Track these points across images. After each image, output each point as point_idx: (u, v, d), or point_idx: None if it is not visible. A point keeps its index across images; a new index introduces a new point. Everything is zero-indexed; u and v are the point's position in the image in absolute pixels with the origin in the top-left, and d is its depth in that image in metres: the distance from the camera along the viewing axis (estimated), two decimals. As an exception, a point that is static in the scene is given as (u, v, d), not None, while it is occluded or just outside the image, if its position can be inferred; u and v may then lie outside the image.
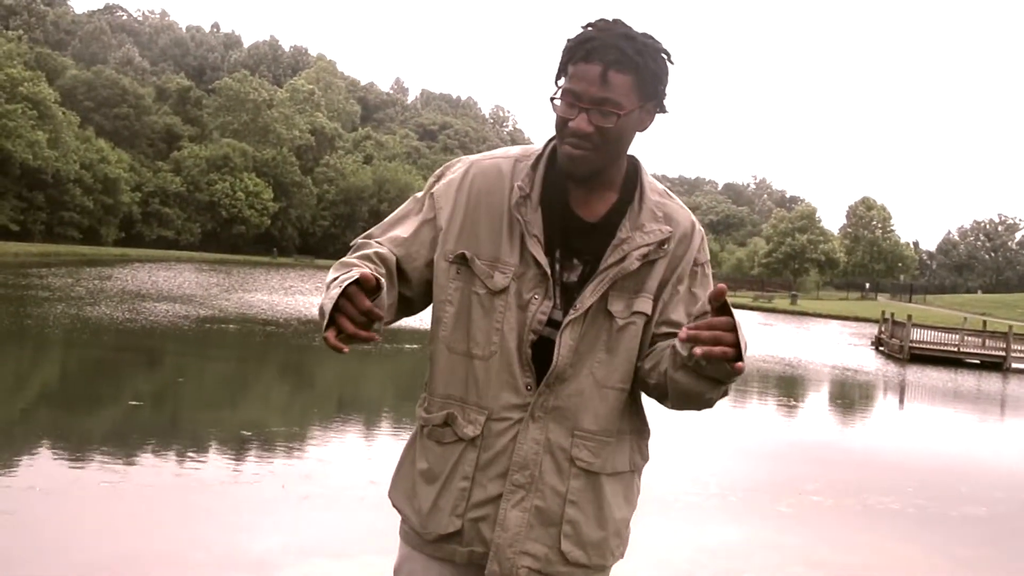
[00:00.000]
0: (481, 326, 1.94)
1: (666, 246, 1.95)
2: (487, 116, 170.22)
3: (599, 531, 1.98)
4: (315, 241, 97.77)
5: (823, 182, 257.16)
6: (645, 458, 2.11)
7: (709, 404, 1.93)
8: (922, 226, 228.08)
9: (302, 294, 37.05)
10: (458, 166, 2.03)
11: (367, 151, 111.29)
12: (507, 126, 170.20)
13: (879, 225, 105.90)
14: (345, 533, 6.54)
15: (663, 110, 1.93)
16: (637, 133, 1.92)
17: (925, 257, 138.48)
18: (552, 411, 1.93)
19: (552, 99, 1.88)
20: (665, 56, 1.88)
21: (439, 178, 2.03)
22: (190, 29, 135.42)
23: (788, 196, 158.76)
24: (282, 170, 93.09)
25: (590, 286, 1.91)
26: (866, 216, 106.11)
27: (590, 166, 1.88)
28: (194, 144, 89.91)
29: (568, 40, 1.87)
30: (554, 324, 1.93)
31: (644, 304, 1.94)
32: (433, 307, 2.02)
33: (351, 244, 2.00)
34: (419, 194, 2.06)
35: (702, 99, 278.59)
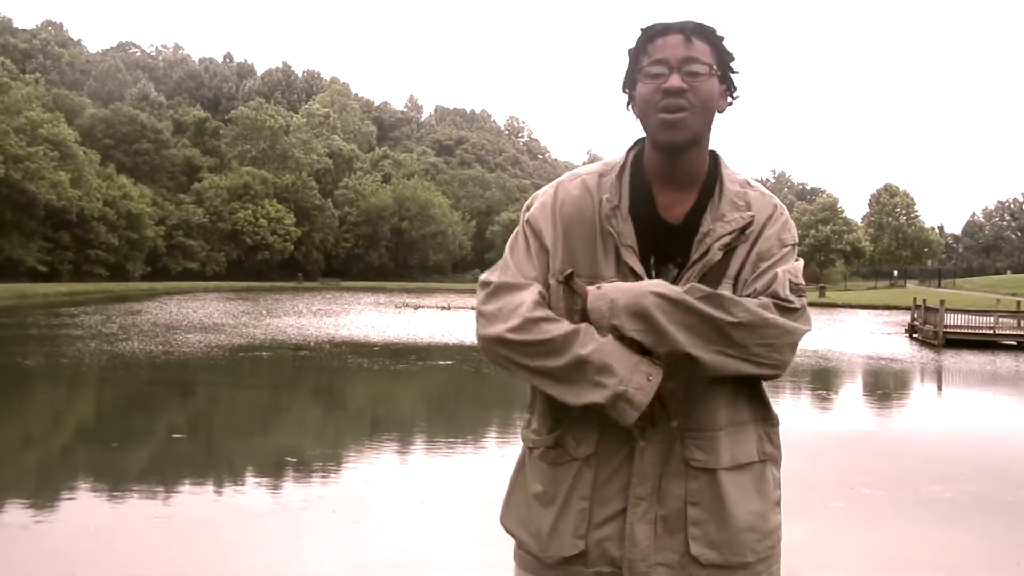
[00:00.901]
0: None
1: (747, 231, 1.94)
2: (502, 127, 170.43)
3: (726, 528, 1.91)
4: (339, 263, 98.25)
5: (843, 171, 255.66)
6: (776, 446, 2.06)
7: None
8: (946, 209, 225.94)
9: (330, 316, 37.19)
10: (547, 189, 2.04)
11: (385, 170, 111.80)
12: (522, 136, 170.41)
13: (903, 211, 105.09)
14: (402, 554, 6.52)
15: (733, 95, 1.98)
16: (716, 115, 1.96)
17: (951, 241, 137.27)
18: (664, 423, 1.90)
19: (634, 84, 1.95)
20: (725, 43, 1.97)
21: (530, 206, 2.03)
22: (203, 61, 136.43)
23: (809, 188, 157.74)
24: (302, 195, 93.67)
25: (680, 285, 1.88)
26: (889, 203, 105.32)
27: (689, 129, 1.89)
28: (214, 174, 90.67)
29: (632, 45, 1.96)
30: None
31: (725, 290, 1.90)
32: None
33: (487, 283, 1.97)
34: (517, 230, 2.04)
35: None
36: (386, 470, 9.83)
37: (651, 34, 1.92)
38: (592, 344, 1.80)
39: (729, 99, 1.98)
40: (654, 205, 1.95)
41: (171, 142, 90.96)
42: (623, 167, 1.99)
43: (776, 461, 2.06)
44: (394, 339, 26.92)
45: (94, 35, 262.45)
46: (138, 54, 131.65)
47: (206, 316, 35.45)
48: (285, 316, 36.53)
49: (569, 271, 1.91)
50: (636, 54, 1.94)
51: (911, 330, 35.23)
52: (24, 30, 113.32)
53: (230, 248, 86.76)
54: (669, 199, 1.96)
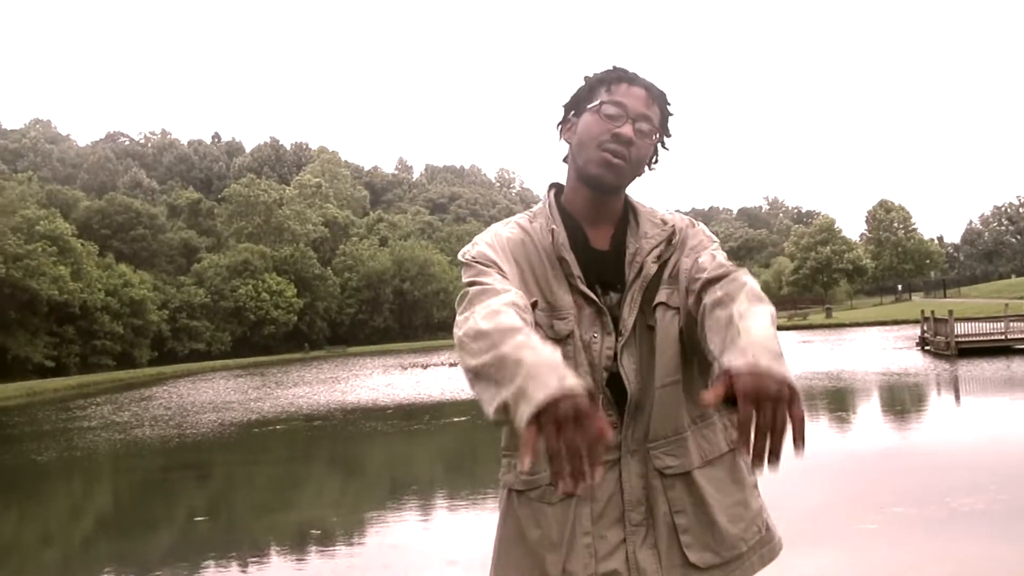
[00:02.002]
0: None
1: (674, 241, 2.03)
2: (494, 180, 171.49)
3: (714, 528, 1.96)
4: (344, 329, 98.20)
5: (837, 192, 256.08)
6: None
7: None
8: (944, 219, 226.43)
9: (339, 383, 37.08)
10: (480, 237, 2.03)
11: (381, 233, 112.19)
12: (514, 187, 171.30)
13: (900, 226, 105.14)
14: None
15: (654, 165, 2.09)
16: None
17: (952, 250, 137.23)
18: (642, 441, 1.97)
19: (580, 112, 2.02)
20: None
21: (466, 253, 1.95)
22: (192, 143, 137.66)
23: (804, 211, 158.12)
24: (301, 265, 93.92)
25: (624, 307, 1.98)
26: (886, 219, 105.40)
27: (621, 178, 2.00)
28: (212, 254, 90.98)
29: (598, 72, 2.04)
30: (616, 357, 1.97)
31: (664, 295, 1.99)
32: None
33: (467, 287, 1.83)
34: (463, 281, 1.87)
35: (707, 129, 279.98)
36: (412, 533, 9.73)
37: (620, 76, 2.01)
38: (527, 348, 1.53)
39: (653, 165, 2.08)
40: (585, 237, 2.03)
41: (167, 226, 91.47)
42: (550, 206, 2.08)
43: None
44: (406, 400, 26.82)
45: (82, 128, 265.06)
46: (127, 142, 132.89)
47: (216, 395, 35.37)
48: (295, 387, 36.43)
49: (533, 300, 1.93)
50: (595, 86, 2.01)
51: (922, 343, 35.07)
52: (13, 130, 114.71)
53: (234, 325, 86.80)
54: (594, 233, 2.05)
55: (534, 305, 1.92)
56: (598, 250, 2.02)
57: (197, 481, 15.74)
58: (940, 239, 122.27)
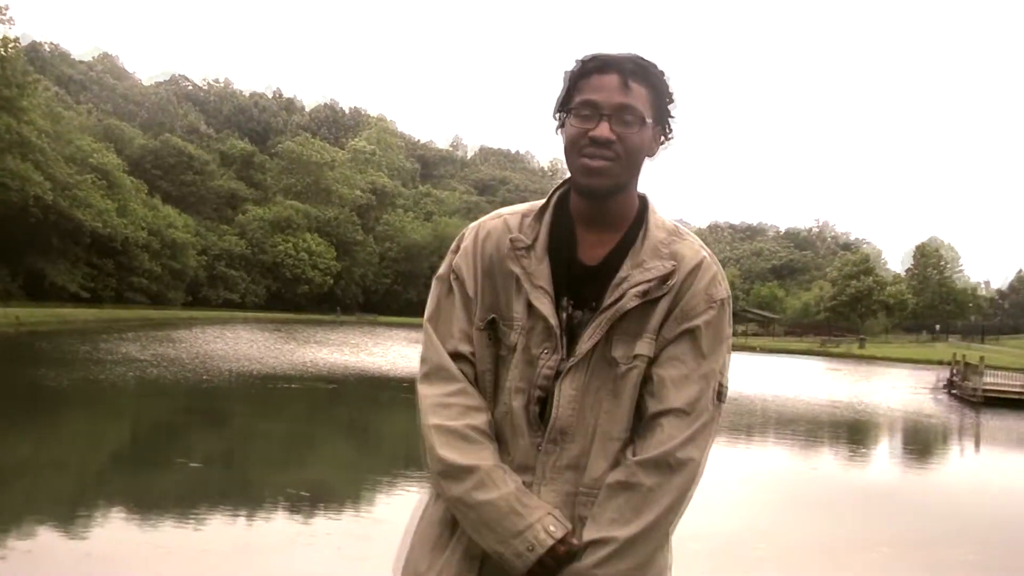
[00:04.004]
0: (501, 388, 1.90)
1: (669, 282, 1.83)
2: (545, 168, 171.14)
3: None
4: (377, 299, 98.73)
5: (887, 223, 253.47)
6: None
7: None
8: (992, 264, 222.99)
9: (363, 350, 37.26)
10: (468, 233, 1.99)
11: (427, 208, 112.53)
12: (564, 177, 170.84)
13: (947, 265, 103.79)
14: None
15: (668, 137, 1.89)
16: (646, 159, 1.88)
17: (997, 296, 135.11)
18: (564, 471, 1.85)
19: (563, 116, 1.86)
20: (668, 81, 1.87)
21: (456, 250, 1.98)
22: (253, 96, 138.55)
23: (852, 239, 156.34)
24: (344, 229, 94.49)
25: (588, 330, 1.83)
26: (934, 256, 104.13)
27: (612, 179, 1.82)
28: (257, 207, 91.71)
29: (571, 68, 1.86)
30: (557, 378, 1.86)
31: (645, 346, 1.83)
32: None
33: (425, 362, 1.97)
34: (441, 271, 2.00)
35: (762, 144, 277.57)
36: (400, 509, 9.72)
37: (588, 69, 1.82)
38: (496, 490, 1.79)
39: (663, 141, 1.89)
40: (574, 246, 1.89)
41: (217, 174, 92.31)
42: (545, 207, 1.94)
43: None
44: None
45: (147, 68, 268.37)
46: (189, 87, 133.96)
47: (240, 346, 35.67)
48: (318, 348, 36.66)
49: (491, 318, 1.89)
50: (570, 85, 1.85)
51: (950, 386, 34.61)
52: (81, 61, 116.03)
53: (269, 280, 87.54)
54: (591, 240, 1.89)
55: (492, 322, 1.89)
56: (583, 264, 1.87)
57: (201, 427, 15.86)
58: (987, 284, 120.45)
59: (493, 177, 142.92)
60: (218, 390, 20.21)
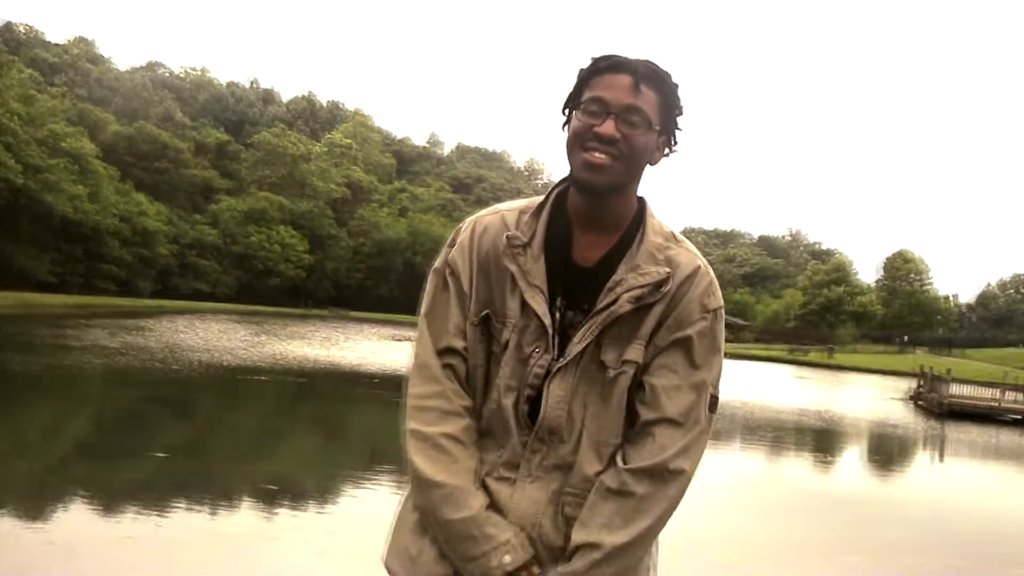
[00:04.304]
0: (492, 384, 1.91)
1: (664, 288, 1.83)
2: (521, 168, 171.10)
3: None
4: (349, 293, 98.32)
5: (859, 234, 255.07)
6: None
7: None
8: (961, 278, 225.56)
9: (334, 344, 37.11)
10: (465, 227, 1.97)
11: (402, 203, 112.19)
12: (541, 178, 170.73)
13: (916, 277, 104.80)
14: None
15: (673, 148, 1.88)
16: (648, 165, 1.88)
17: (964, 310, 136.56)
18: (551, 470, 1.87)
19: (571, 111, 1.85)
20: (679, 93, 1.87)
21: (452, 244, 1.98)
22: (230, 85, 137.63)
23: (823, 248, 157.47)
24: (317, 222, 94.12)
25: (579, 332, 1.83)
26: (903, 268, 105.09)
27: (612, 176, 1.80)
28: (231, 197, 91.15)
29: (585, 66, 1.86)
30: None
31: (635, 352, 1.84)
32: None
33: (414, 357, 1.98)
34: (437, 265, 1.99)
35: (737, 151, 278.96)
36: (368, 505, 9.69)
37: (600, 67, 1.81)
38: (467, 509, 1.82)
39: (666, 151, 1.89)
40: (570, 246, 1.88)
41: (191, 163, 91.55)
42: (543, 204, 1.92)
43: None
44: (395, 371, 26.82)
45: (124, 53, 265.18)
46: (166, 75, 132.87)
47: (210, 337, 35.43)
48: (289, 342, 36.47)
49: (484, 313, 1.89)
50: (581, 81, 1.84)
51: (916, 397, 34.96)
52: (56, 44, 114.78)
53: (240, 271, 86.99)
54: (587, 241, 1.88)
55: (485, 319, 1.89)
56: (578, 264, 1.87)
57: (169, 418, 15.74)
58: (955, 297, 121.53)
59: (469, 175, 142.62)
60: (187, 380, 20.06)
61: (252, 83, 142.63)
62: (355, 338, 45.03)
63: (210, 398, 18.32)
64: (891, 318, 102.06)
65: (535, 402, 1.86)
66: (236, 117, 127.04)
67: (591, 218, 1.87)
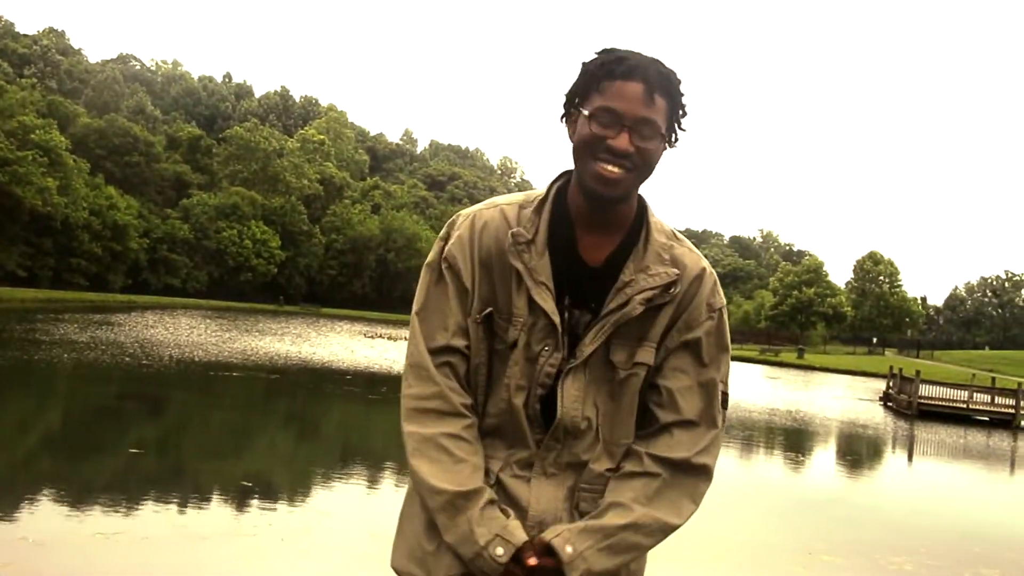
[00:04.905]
0: (497, 382, 1.88)
1: (673, 290, 1.84)
2: (495, 167, 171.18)
3: None
4: (322, 290, 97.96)
5: (831, 236, 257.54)
6: None
7: None
8: (930, 281, 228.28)
9: (306, 340, 36.92)
10: (463, 221, 1.92)
11: (375, 200, 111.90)
12: (515, 177, 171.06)
13: (886, 280, 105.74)
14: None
15: (672, 144, 1.85)
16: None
17: (932, 312, 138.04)
18: (565, 467, 1.87)
19: (576, 111, 1.80)
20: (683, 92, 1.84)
21: (447, 239, 1.92)
22: (202, 79, 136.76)
23: (795, 250, 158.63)
24: (290, 218, 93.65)
25: (591, 333, 1.83)
26: (873, 271, 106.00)
27: (624, 188, 1.78)
28: (203, 192, 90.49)
29: (592, 61, 1.80)
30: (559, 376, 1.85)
31: (646, 354, 1.85)
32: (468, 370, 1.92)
33: (408, 357, 1.92)
34: (430, 259, 1.93)
35: (710, 151, 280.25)
36: (344, 502, 9.67)
37: (612, 72, 1.75)
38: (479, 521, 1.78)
39: (665, 147, 1.84)
40: (575, 244, 1.86)
41: (163, 157, 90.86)
42: (544, 200, 1.89)
43: None
44: (368, 368, 26.74)
45: (95, 45, 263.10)
46: (137, 67, 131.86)
47: (182, 332, 35.15)
48: (261, 338, 36.25)
49: (488, 311, 1.86)
50: (590, 80, 1.78)
51: (886, 398, 35.28)
52: (26, 35, 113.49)
53: (212, 266, 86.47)
54: (591, 240, 1.86)
55: (488, 316, 1.86)
56: (586, 263, 1.85)
57: (142, 414, 15.59)
58: (924, 300, 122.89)
59: (443, 173, 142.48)
60: (158, 376, 19.89)
61: (225, 77, 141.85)
62: (327, 335, 44.84)
63: (182, 394, 18.15)
64: (861, 320, 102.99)
65: (545, 401, 1.85)
66: (208, 111, 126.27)
67: (595, 219, 1.85)
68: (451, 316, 1.87)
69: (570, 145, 1.84)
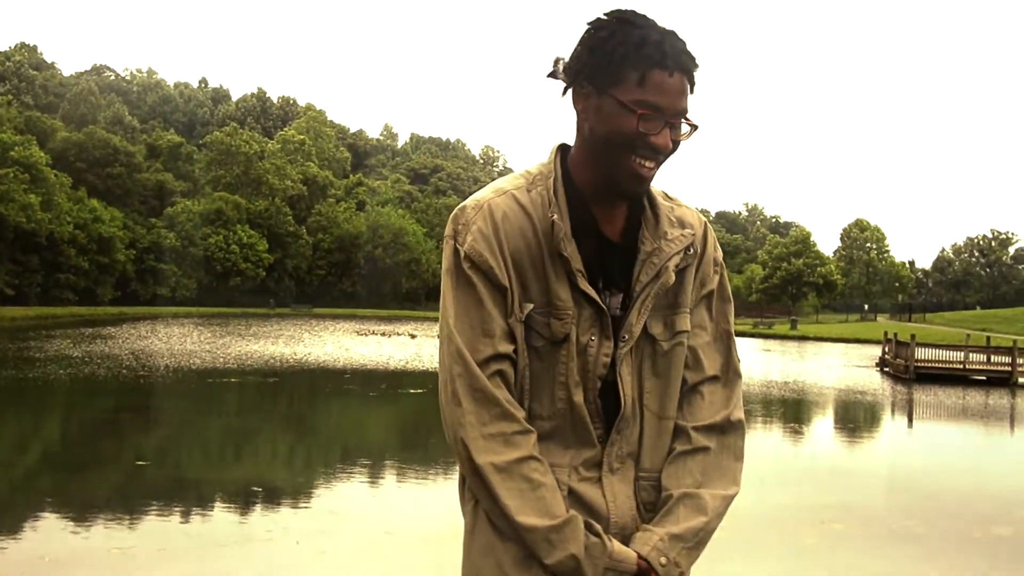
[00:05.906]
0: (544, 382, 1.74)
1: (691, 251, 1.79)
2: (477, 157, 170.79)
3: None
4: (312, 290, 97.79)
5: (816, 206, 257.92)
6: None
7: None
8: (917, 245, 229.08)
9: (300, 342, 36.87)
10: (475, 214, 1.73)
11: (360, 197, 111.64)
12: (497, 166, 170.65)
13: (874, 246, 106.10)
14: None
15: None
16: None
17: (921, 276, 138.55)
18: (626, 458, 1.77)
19: (595, 96, 1.67)
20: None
21: (456, 234, 1.73)
22: (178, 86, 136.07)
23: (782, 222, 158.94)
24: (276, 221, 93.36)
25: (633, 311, 1.73)
26: (860, 238, 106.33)
27: (650, 183, 1.73)
28: (187, 199, 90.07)
29: (613, 36, 1.65)
30: (613, 364, 1.74)
31: (684, 321, 1.79)
32: None
33: (454, 379, 1.69)
34: (448, 264, 1.75)
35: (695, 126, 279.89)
36: (353, 500, 9.68)
37: (651, 60, 1.62)
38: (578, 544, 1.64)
39: None
40: (596, 223, 1.76)
41: (144, 166, 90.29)
42: (555, 180, 1.76)
43: None
44: (365, 366, 26.72)
45: (69, 58, 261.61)
46: (112, 78, 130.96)
47: (174, 341, 35.07)
48: (255, 342, 36.20)
49: (530, 306, 1.72)
50: (622, 63, 1.63)
51: (882, 364, 35.42)
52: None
53: (201, 273, 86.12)
54: (604, 215, 1.76)
55: (529, 314, 1.71)
56: (611, 241, 1.75)
57: (144, 425, 15.58)
58: (912, 263, 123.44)
59: (426, 166, 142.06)
60: (156, 386, 19.86)
61: (201, 82, 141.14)
62: (321, 334, 44.79)
63: (183, 403, 18.12)
64: (851, 287, 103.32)
65: (601, 393, 1.75)
66: (186, 118, 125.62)
67: (605, 196, 1.76)
68: (491, 320, 1.70)
69: (573, 117, 1.73)
